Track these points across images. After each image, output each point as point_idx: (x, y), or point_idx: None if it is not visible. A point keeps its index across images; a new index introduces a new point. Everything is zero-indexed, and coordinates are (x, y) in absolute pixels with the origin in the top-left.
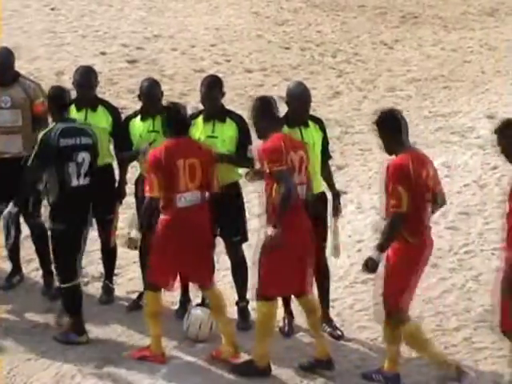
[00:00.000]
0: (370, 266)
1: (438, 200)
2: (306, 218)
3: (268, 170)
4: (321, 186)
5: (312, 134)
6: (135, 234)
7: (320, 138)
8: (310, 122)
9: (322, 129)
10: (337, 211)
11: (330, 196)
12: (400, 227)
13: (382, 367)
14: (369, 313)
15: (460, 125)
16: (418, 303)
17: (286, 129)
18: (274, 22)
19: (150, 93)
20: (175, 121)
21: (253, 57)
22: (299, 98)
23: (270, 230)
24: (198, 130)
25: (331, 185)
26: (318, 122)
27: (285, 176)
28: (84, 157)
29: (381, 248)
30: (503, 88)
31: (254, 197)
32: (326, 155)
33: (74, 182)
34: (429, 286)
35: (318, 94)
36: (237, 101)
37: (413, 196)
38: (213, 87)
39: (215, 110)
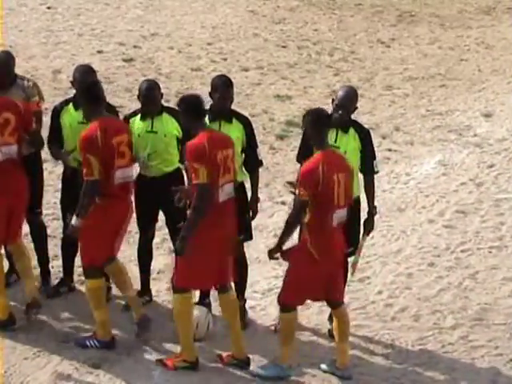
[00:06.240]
0: (70, 232)
1: None
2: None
3: None
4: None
5: (347, 141)
6: None
7: (356, 148)
8: (352, 130)
9: (363, 140)
10: (366, 230)
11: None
12: (93, 193)
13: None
14: (365, 311)
15: (457, 123)
16: (414, 301)
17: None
18: (271, 21)
19: (150, 94)
20: None
21: (249, 55)
22: (340, 101)
23: None
24: None
25: (369, 201)
26: (362, 132)
27: None
28: None
29: (78, 215)
30: (500, 86)
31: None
32: (364, 169)
33: None
34: (426, 284)
35: (314, 92)
36: (234, 99)
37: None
38: (230, 86)
39: (225, 111)
